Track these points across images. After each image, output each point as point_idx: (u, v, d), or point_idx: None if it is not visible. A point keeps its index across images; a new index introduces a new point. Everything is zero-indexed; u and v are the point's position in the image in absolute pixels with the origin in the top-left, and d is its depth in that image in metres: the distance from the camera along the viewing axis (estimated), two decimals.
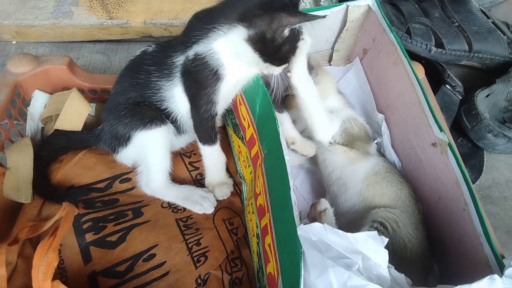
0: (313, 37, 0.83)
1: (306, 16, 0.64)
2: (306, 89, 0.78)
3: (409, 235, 0.73)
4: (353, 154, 0.83)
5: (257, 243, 0.77)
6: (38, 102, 0.93)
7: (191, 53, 0.72)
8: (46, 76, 0.92)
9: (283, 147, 0.66)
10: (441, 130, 0.74)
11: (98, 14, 1.05)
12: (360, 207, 0.80)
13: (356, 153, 0.84)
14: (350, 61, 1.06)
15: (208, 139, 0.82)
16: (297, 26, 0.66)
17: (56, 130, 0.89)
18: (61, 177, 0.86)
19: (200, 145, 0.84)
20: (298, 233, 0.58)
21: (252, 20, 0.65)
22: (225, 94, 0.75)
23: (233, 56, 0.70)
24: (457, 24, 1.17)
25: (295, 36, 0.70)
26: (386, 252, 0.56)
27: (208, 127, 0.80)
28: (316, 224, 0.56)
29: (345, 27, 0.92)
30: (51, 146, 0.87)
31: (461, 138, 1.07)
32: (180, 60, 0.75)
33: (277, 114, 0.69)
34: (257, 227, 0.77)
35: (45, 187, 0.83)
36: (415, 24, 1.15)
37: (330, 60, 1.05)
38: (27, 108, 0.93)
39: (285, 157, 0.65)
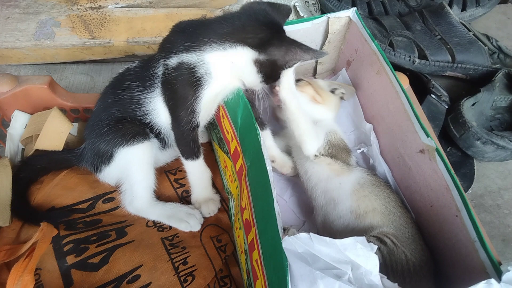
0: None
1: (317, 53, 0.70)
2: (293, 102, 0.77)
3: (410, 246, 0.70)
4: (337, 166, 0.81)
5: (246, 259, 0.74)
6: (18, 123, 0.91)
7: (173, 61, 0.71)
8: (26, 96, 0.90)
9: (265, 158, 0.64)
10: (427, 136, 0.73)
11: (81, 34, 1.05)
12: (355, 225, 0.77)
13: (340, 165, 0.82)
14: (334, 73, 1.06)
15: (190, 153, 0.80)
16: None
17: (36, 150, 0.87)
18: (41, 198, 0.83)
19: (183, 160, 0.82)
20: (283, 245, 0.56)
21: (267, 48, 0.68)
22: (207, 104, 0.74)
23: (226, 69, 0.71)
24: (439, 36, 1.19)
25: None
26: (376, 257, 0.54)
27: (189, 140, 0.78)
28: (302, 235, 0.54)
29: (327, 39, 0.92)
30: (31, 167, 0.85)
31: (450, 147, 1.06)
32: (160, 70, 0.74)
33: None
34: (244, 243, 0.74)
35: (24, 209, 0.80)
36: (398, 37, 1.16)
37: (314, 74, 1.05)
38: (7, 129, 0.90)
39: (267, 168, 0.63)
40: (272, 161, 0.84)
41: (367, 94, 0.92)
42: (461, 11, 1.34)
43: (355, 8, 0.87)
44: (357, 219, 0.75)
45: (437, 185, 0.73)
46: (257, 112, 0.81)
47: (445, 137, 1.07)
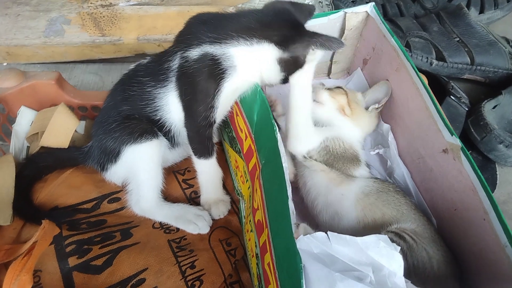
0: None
1: (332, 45, 0.67)
2: (299, 93, 0.74)
3: (430, 245, 0.66)
4: (334, 175, 0.76)
5: (257, 264, 0.70)
6: (24, 120, 0.88)
7: (195, 52, 0.68)
8: (33, 91, 0.88)
9: (281, 154, 0.61)
10: (452, 134, 0.69)
11: (90, 31, 1.03)
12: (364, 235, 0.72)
13: (337, 174, 0.77)
14: (349, 73, 1.03)
15: (204, 152, 0.77)
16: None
17: (41, 147, 0.85)
18: (45, 197, 0.80)
19: (194, 159, 0.79)
20: (298, 246, 0.52)
21: (289, 45, 0.67)
22: (225, 99, 0.71)
23: (250, 65, 0.70)
24: (457, 38, 1.15)
25: None
26: (400, 257, 0.49)
27: (205, 137, 0.75)
28: (318, 234, 0.50)
29: (343, 36, 0.89)
30: (35, 165, 0.82)
31: (470, 151, 1.02)
32: (176, 63, 0.71)
33: None
34: (256, 246, 0.70)
35: (27, 208, 0.77)
36: (414, 38, 1.13)
37: (329, 73, 1.02)
38: (12, 126, 0.88)
39: (284, 165, 0.60)
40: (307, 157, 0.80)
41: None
42: (479, 13, 1.30)
43: (373, 3, 0.84)
44: (365, 228, 0.70)
45: (462, 186, 0.68)
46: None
47: (465, 140, 1.02)
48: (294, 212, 0.56)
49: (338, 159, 0.77)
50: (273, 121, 0.65)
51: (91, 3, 1.07)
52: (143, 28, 1.03)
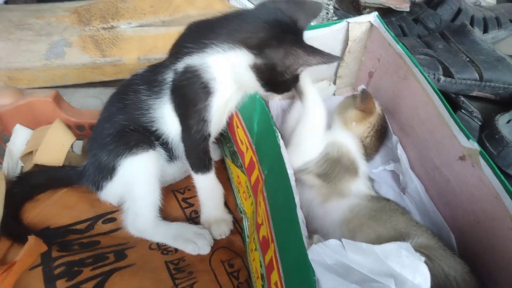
0: None
1: (325, 58, 0.60)
2: (313, 98, 0.71)
3: (444, 261, 0.59)
4: (325, 190, 0.70)
5: (262, 286, 0.63)
6: (19, 138, 0.85)
7: (180, 65, 0.66)
8: (29, 109, 0.85)
9: (285, 161, 0.57)
10: (468, 138, 0.64)
11: (91, 53, 1.03)
12: None
13: (329, 190, 0.71)
14: (355, 89, 1.00)
15: (201, 166, 0.73)
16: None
17: (35, 166, 0.81)
18: (36, 217, 0.75)
19: (193, 174, 0.74)
20: (310, 257, 0.47)
21: (263, 49, 0.60)
22: (218, 111, 0.68)
23: (229, 74, 0.64)
24: (463, 55, 1.13)
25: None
26: (426, 268, 0.43)
27: (200, 150, 0.71)
28: (332, 241, 0.45)
29: (347, 48, 0.87)
30: (27, 183, 0.78)
31: None
32: (169, 76, 0.68)
33: None
34: (261, 266, 0.64)
35: (15, 228, 0.72)
36: (419, 55, 1.11)
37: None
38: (6, 144, 0.85)
39: (288, 171, 0.56)
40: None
41: (393, 104, 0.85)
42: (483, 33, 1.29)
43: (376, 12, 0.82)
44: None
45: (483, 195, 0.63)
46: None
47: None
48: (304, 221, 0.51)
49: (334, 166, 0.71)
50: (275, 127, 0.61)
51: (93, 26, 1.08)
52: (144, 48, 1.03)
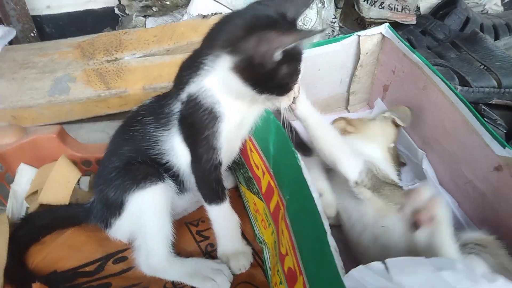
0: (325, 78, 0.75)
1: (301, 33, 0.53)
2: (316, 118, 0.65)
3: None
4: (382, 204, 0.65)
5: None
6: (24, 178, 0.82)
7: (184, 95, 0.62)
8: (33, 147, 0.82)
9: (308, 183, 0.52)
10: (504, 146, 0.59)
11: (96, 86, 1.00)
12: None
13: (385, 202, 0.66)
14: (370, 106, 0.96)
15: (214, 196, 0.68)
16: (291, 45, 0.53)
17: (40, 205, 0.77)
18: (42, 261, 0.71)
19: (206, 206, 0.69)
20: (346, 284, 0.41)
21: (235, 44, 0.54)
22: (228, 138, 0.64)
23: (225, 91, 0.60)
24: (478, 63, 1.09)
25: (295, 56, 0.57)
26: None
27: (212, 180, 0.66)
28: (374, 265, 0.39)
29: (359, 62, 0.83)
30: (32, 225, 0.74)
31: None
32: (177, 107, 0.65)
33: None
34: None
35: (19, 273, 0.67)
36: (433, 66, 1.07)
37: (347, 106, 0.95)
38: (10, 185, 0.81)
39: (313, 195, 0.51)
40: (320, 195, 0.66)
41: (413, 117, 0.80)
42: (495, 40, 1.26)
43: (387, 23, 0.79)
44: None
45: None
46: (298, 136, 0.69)
47: None
48: (338, 250, 0.46)
49: (381, 182, 0.66)
50: (293, 148, 0.57)
51: (96, 59, 1.06)
52: (149, 77, 1.00)
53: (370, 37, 0.80)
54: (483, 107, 0.97)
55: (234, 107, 0.61)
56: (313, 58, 0.78)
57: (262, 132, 0.67)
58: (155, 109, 0.70)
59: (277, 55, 0.53)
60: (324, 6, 1.13)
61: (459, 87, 1.03)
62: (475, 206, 0.69)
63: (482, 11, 1.41)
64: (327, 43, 0.79)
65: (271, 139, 0.64)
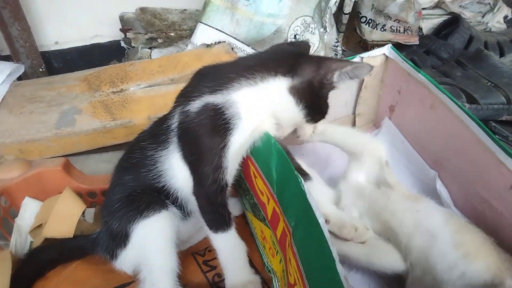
0: (331, 101, 0.75)
1: (353, 63, 0.62)
2: (328, 125, 0.73)
3: None
4: (407, 191, 0.68)
5: None
6: (28, 212, 0.80)
7: (196, 105, 0.62)
8: (38, 180, 0.81)
9: (313, 208, 0.50)
10: None
11: (101, 117, 1.01)
12: (464, 268, 0.56)
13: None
14: (376, 126, 0.94)
15: (220, 223, 0.65)
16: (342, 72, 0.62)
17: (45, 240, 0.75)
18: None
19: (211, 234, 0.67)
20: None
21: (298, 69, 0.62)
22: (234, 155, 0.62)
23: (257, 107, 0.63)
24: (485, 81, 1.08)
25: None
26: None
27: (218, 204, 0.64)
28: None
29: (363, 84, 0.83)
30: (37, 260, 0.72)
31: None
32: (176, 120, 0.64)
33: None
34: None
35: None
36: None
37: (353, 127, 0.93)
38: (14, 220, 0.80)
39: (319, 220, 0.49)
40: (326, 222, 0.66)
41: (421, 137, 0.79)
42: (500, 57, 1.25)
43: (390, 44, 0.79)
44: (466, 258, 0.56)
45: None
46: (295, 161, 0.68)
47: None
48: (347, 279, 0.43)
49: None
50: (296, 172, 0.55)
51: (102, 91, 1.07)
52: (154, 107, 1.01)
53: (373, 59, 0.80)
54: (493, 124, 0.95)
55: (249, 121, 0.62)
56: None
57: (265, 156, 0.66)
58: (153, 131, 0.70)
59: (335, 78, 0.62)
60: (326, 31, 1.13)
61: (467, 105, 1.02)
62: (493, 227, 0.65)
63: (485, 29, 1.41)
64: None
65: (273, 164, 0.62)
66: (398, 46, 1.31)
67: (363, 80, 0.83)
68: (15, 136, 1.03)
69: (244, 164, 0.71)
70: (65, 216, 0.75)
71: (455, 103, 0.67)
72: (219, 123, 0.60)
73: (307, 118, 0.65)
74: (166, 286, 0.65)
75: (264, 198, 0.67)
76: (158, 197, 0.66)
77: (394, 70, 0.81)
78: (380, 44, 1.34)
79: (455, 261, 0.56)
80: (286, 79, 0.62)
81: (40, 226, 0.79)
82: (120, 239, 0.67)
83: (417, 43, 1.28)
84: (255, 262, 0.73)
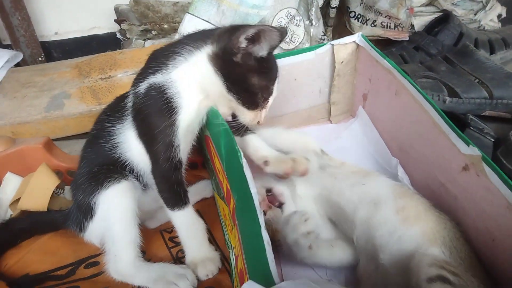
0: (304, 88, 0.77)
1: (256, 26, 0.61)
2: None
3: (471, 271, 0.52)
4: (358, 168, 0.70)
5: None
6: (9, 187, 0.85)
7: (143, 86, 0.65)
8: (20, 157, 0.85)
9: (248, 180, 0.52)
10: (468, 144, 0.58)
11: (88, 102, 1.05)
12: (402, 232, 0.58)
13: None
14: (353, 116, 0.95)
15: (176, 200, 0.68)
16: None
17: (21, 212, 0.79)
18: (15, 264, 0.72)
19: (168, 212, 0.69)
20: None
21: (216, 37, 0.63)
22: (184, 133, 0.65)
23: (193, 83, 0.64)
24: (470, 76, 1.07)
25: (268, 74, 0.65)
26: None
27: (173, 182, 0.66)
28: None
29: (335, 71, 0.84)
30: (11, 229, 0.76)
31: None
32: (130, 102, 0.68)
33: (243, 138, 0.62)
34: None
35: None
36: (421, 78, 1.06)
37: (329, 116, 0.94)
38: None
39: (252, 190, 0.51)
40: (266, 162, 0.66)
41: (389, 124, 0.79)
42: (490, 54, 1.24)
43: (360, 32, 0.80)
44: (404, 223, 0.58)
45: (494, 207, 0.55)
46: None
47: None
48: (270, 243, 0.45)
49: None
50: (237, 147, 0.57)
51: (91, 77, 1.11)
52: None
53: (344, 46, 0.81)
54: (470, 116, 0.94)
55: (192, 99, 0.65)
56: (287, 67, 0.79)
57: (216, 135, 0.67)
58: (113, 106, 0.74)
59: (243, 41, 0.60)
60: (312, 24, 1.14)
61: (448, 99, 1.02)
62: (448, 210, 0.65)
63: (478, 27, 1.40)
64: (300, 52, 0.80)
65: (222, 142, 0.64)
66: (388, 42, 1.33)
67: (335, 67, 0.84)
68: (8, 119, 1.07)
69: (207, 145, 0.73)
70: (39, 190, 0.79)
71: (416, 88, 0.67)
72: (162, 103, 0.63)
73: (236, 98, 0.64)
74: (127, 258, 0.68)
75: (221, 176, 0.69)
76: (117, 168, 0.68)
77: (365, 59, 0.82)
78: (370, 40, 1.35)
79: (394, 225, 0.58)
80: (207, 48, 0.63)
81: (18, 199, 0.83)
82: (86, 212, 0.70)
83: (407, 39, 1.28)
84: (218, 240, 0.76)
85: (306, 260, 0.63)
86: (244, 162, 0.52)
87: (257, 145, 0.68)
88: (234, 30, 0.61)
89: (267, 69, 0.65)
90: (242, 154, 0.54)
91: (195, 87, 0.64)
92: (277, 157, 0.67)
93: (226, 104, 0.66)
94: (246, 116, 0.66)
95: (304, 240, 0.61)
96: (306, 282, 0.39)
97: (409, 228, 0.57)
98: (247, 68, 0.63)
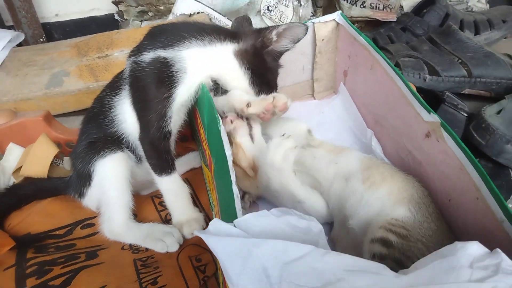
0: (288, 66, 0.81)
1: (286, 24, 0.72)
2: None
3: (424, 231, 0.57)
4: (331, 146, 0.74)
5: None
6: (12, 156, 0.91)
7: (148, 56, 0.69)
8: (22, 129, 0.91)
9: (224, 143, 0.57)
10: (429, 111, 0.63)
11: (86, 79, 1.10)
12: (369, 197, 0.63)
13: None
14: (335, 92, 1.00)
15: (163, 167, 0.73)
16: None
17: (24, 179, 0.85)
18: (18, 224, 0.78)
19: (156, 177, 0.74)
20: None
21: (242, 36, 0.72)
22: (178, 107, 0.70)
23: (203, 66, 0.71)
24: (451, 55, 1.11)
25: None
26: None
27: (161, 150, 0.72)
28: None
29: (316, 48, 0.88)
30: (15, 194, 0.82)
31: (478, 159, 0.91)
32: (128, 68, 0.72)
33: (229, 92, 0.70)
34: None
35: None
36: (404, 57, 1.10)
37: (313, 93, 0.99)
38: (0, 162, 0.90)
39: (227, 153, 0.56)
40: (248, 105, 0.70)
41: (366, 98, 0.84)
42: (475, 35, 1.28)
43: (340, 11, 0.85)
44: (370, 188, 0.63)
45: (451, 169, 0.60)
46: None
47: (470, 149, 0.92)
48: (239, 196, 0.51)
49: None
50: (216, 115, 0.61)
51: (89, 56, 1.16)
52: None
53: (324, 24, 0.86)
54: (447, 93, 0.99)
55: (193, 77, 0.70)
56: None
57: (201, 106, 0.72)
58: (112, 82, 0.79)
59: (274, 35, 0.71)
60: (301, 4, 1.19)
61: (429, 77, 1.06)
62: (415, 175, 0.71)
63: (466, 8, 1.43)
64: None
65: (205, 111, 0.69)
66: (377, 23, 1.36)
67: (316, 45, 0.88)
68: (10, 95, 1.13)
69: (195, 117, 0.78)
70: (39, 159, 0.85)
71: (388, 63, 0.72)
72: (166, 75, 0.68)
73: (256, 90, 0.73)
74: (120, 219, 0.74)
75: (205, 145, 0.74)
76: (114, 141, 0.74)
77: (344, 37, 0.86)
78: (359, 21, 1.39)
79: (361, 193, 0.63)
80: (232, 45, 0.71)
81: (20, 168, 0.89)
82: (85, 178, 0.76)
83: (395, 20, 1.32)
84: (204, 203, 0.82)
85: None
86: (222, 128, 0.58)
87: (240, 93, 0.73)
88: (264, 28, 0.72)
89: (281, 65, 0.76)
90: (220, 121, 0.59)
91: (205, 71, 0.71)
92: (256, 99, 0.71)
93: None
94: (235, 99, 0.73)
95: (291, 156, 0.66)
96: (266, 214, 0.44)
97: (375, 192, 0.62)
98: (273, 63, 0.74)
